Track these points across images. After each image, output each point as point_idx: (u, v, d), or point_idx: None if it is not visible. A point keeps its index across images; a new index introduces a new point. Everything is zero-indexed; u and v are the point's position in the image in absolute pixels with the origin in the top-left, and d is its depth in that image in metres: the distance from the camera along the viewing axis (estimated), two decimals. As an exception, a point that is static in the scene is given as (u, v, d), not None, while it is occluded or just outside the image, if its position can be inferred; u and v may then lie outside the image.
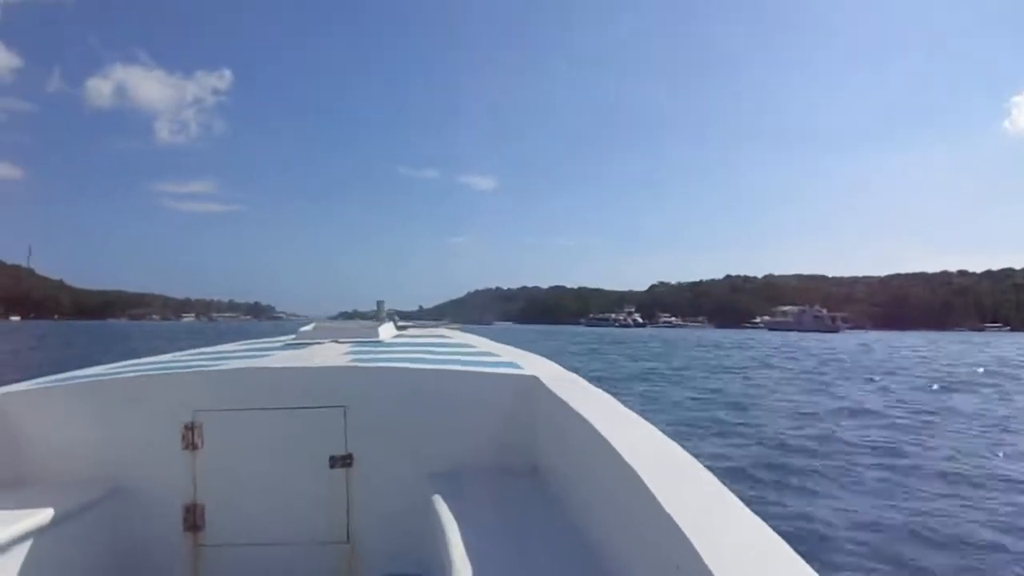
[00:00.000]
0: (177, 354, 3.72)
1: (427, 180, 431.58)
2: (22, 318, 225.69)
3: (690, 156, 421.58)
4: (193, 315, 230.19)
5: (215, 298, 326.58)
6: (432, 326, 6.08)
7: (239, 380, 2.69)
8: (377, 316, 5.21)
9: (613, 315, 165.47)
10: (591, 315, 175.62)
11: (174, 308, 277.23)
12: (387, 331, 4.44)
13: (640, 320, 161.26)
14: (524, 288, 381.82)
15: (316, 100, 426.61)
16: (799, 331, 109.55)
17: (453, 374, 2.75)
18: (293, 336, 4.03)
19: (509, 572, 1.66)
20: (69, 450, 2.58)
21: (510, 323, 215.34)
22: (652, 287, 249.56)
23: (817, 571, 0.98)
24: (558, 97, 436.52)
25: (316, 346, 3.61)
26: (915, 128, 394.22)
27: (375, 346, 3.65)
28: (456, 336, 4.81)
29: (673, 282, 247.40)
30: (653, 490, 1.31)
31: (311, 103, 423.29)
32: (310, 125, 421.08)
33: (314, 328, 4.11)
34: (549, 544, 1.81)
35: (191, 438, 2.54)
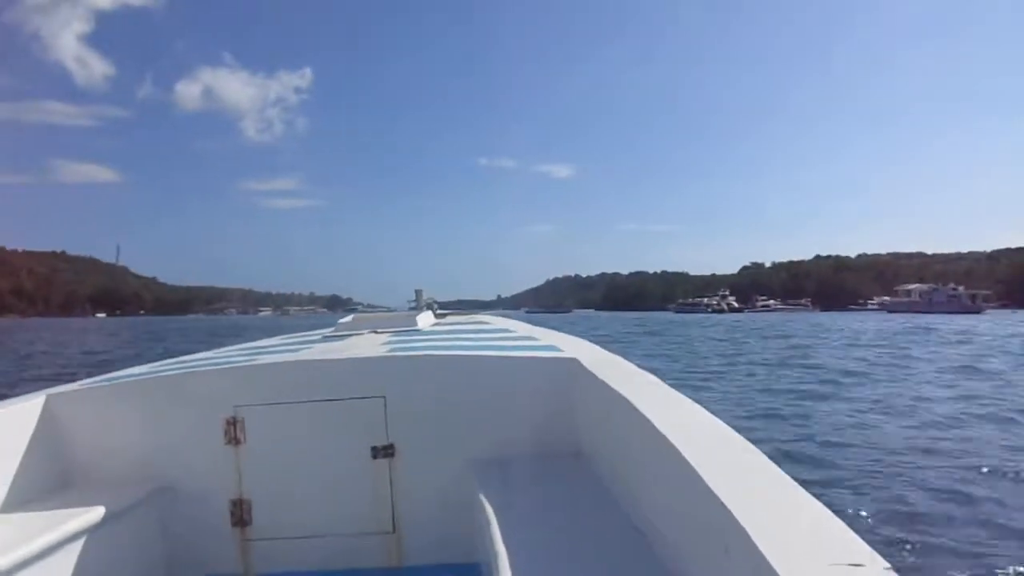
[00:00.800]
0: (218, 350, 3.73)
1: (505, 170, 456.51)
2: (108, 315, 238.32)
3: (766, 138, 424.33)
4: (269, 309, 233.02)
5: (296, 291, 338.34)
6: (470, 313, 5.91)
7: (279, 374, 2.72)
8: (417, 305, 5.21)
9: (705, 299, 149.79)
10: (680, 300, 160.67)
11: (254, 302, 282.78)
12: (425, 320, 4.38)
13: (736, 304, 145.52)
14: (603, 275, 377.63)
15: (394, 95, 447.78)
16: (929, 312, 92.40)
17: (492, 359, 2.73)
18: (332, 328, 4.05)
19: (556, 558, 1.66)
20: (115, 449, 2.63)
21: (591, 310, 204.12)
22: (744, 269, 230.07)
23: (892, 561, 0.88)
24: (634, 83, 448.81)
25: (355, 337, 3.62)
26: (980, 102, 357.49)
27: (414, 335, 3.64)
28: (495, 322, 4.84)
29: (766, 263, 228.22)
30: (700, 471, 1.26)
31: (389, 98, 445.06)
32: (389, 119, 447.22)
33: (353, 319, 4.21)
34: (595, 529, 1.79)
35: (233, 433, 2.58)
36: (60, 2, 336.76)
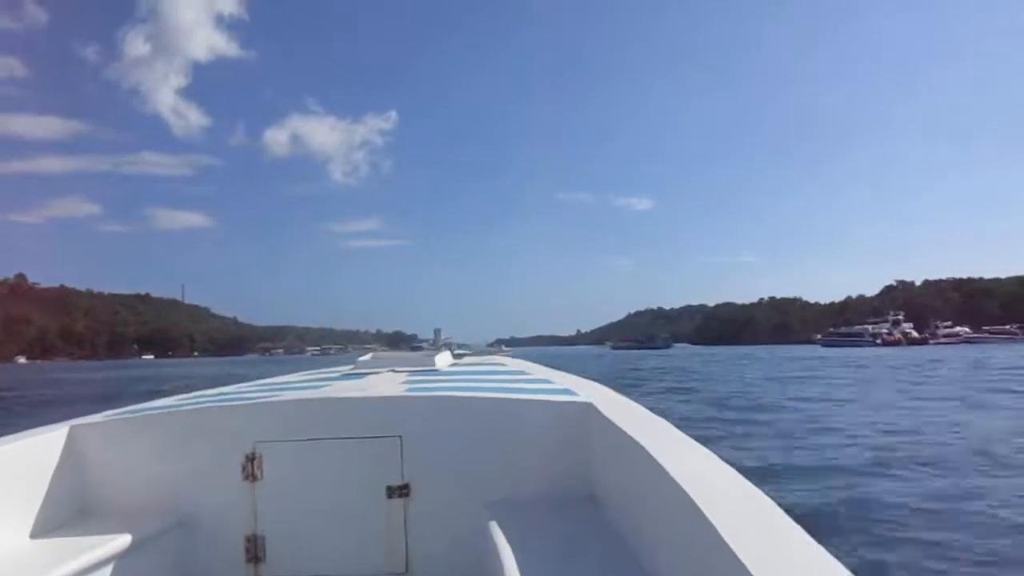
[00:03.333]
0: (239, 385, 3.77)
1: (582, 204, 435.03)
2: (156, 356, 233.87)
3: (854, 159, 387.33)
4: (318, 348, 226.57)
5: (363, 329, 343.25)
6: (490, 353, 6.78)
7: (298, 411, 2.75)
8: (435, 344, 5.77)
9: (871, 327, 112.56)
10: (832, 329, 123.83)
11: (312, 340, 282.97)
12: (443, 360, 4.41)
13: (915, 333, 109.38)
14: (688, 307, 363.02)
15: (473, 132, 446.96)
16: None
17: (508, 402, 2.75)
18: (352, 366, 4.14)
19: None
20: (134, 482, 2.64)
21: (685, 344, 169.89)
22: (888, 289, 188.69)
23: None
24: (713, 110, 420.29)
25: (373, 376, 3.68)
26: None
27: (431, 375, 3.68)
28: (512, 363, 4.84)
29: (916, 282, 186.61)
30: (713, 521, 1.25)
31: (469, 135, 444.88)
32: (467, 157, 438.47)
33: (372, 358, 4.30)
34: (607, 574, 1.79)
35: (251, 469, 2.59)
36: (159, 55, 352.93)
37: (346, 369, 4.10)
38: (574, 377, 3.76)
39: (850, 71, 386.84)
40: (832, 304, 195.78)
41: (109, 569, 2.20)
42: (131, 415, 2.81)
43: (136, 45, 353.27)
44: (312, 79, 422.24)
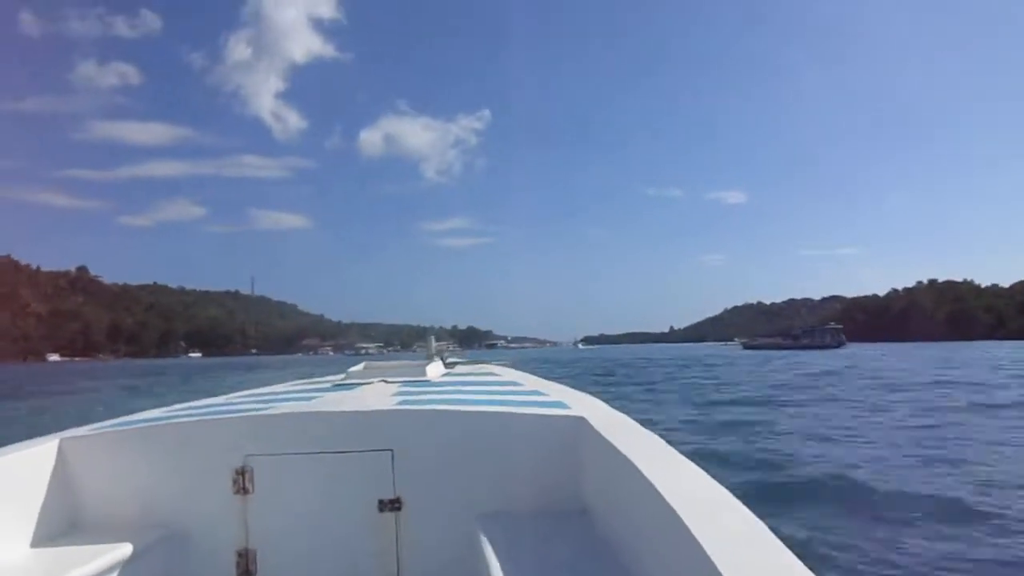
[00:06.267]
0: (229, 396, 3.74)
1: (672, 199, 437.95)
2: (204, 355, 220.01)
3: (965, 147, 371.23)
4: (375, 346, 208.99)
5: (438, 325, 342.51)
6: (483, 362, 5.89)
7: (288, 424, 2.71)
8: (427, 353, 5.31)
9: None
10: None
11: (382, 336, 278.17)
12: (435, 370, 4.40)
13: None
14: (792, 300, 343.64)
15: (564, 130, 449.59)
16: None
17: (500, 415, 2.72)
18: (343, 376, 4.14)
19: None
20: (124, 495, 2.62)
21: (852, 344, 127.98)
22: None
23: None
24: (808, 97, 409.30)
25: (364, 387, 3.66)
26: None
27: (423, 386, 3.66)
28: (504, 373, 4.81)
29: None
30: (699, 538, 1.27)
31: (560, 133, 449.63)
32: (558, 154, 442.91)
33: (363, 368, 4.27)
34: None
35: (242, 483, 2.56)
36: (260, 58, 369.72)
37: (338, 379, 4.10)
38: (567, 389, 3.70)
39: (962, 52, 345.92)
40: (1016, 287, 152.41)
41: None
42: (122, 427, 2.76)
43: (239, 49, 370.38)
44: (406, 80, 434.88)
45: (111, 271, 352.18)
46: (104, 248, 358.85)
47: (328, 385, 3.84)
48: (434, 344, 5.43)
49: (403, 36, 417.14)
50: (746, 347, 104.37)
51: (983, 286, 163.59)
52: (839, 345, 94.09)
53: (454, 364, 5.27)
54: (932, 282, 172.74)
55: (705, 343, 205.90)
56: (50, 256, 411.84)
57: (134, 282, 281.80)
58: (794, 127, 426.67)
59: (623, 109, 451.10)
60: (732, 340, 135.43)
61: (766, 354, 72.40)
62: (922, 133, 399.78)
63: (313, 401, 3.06)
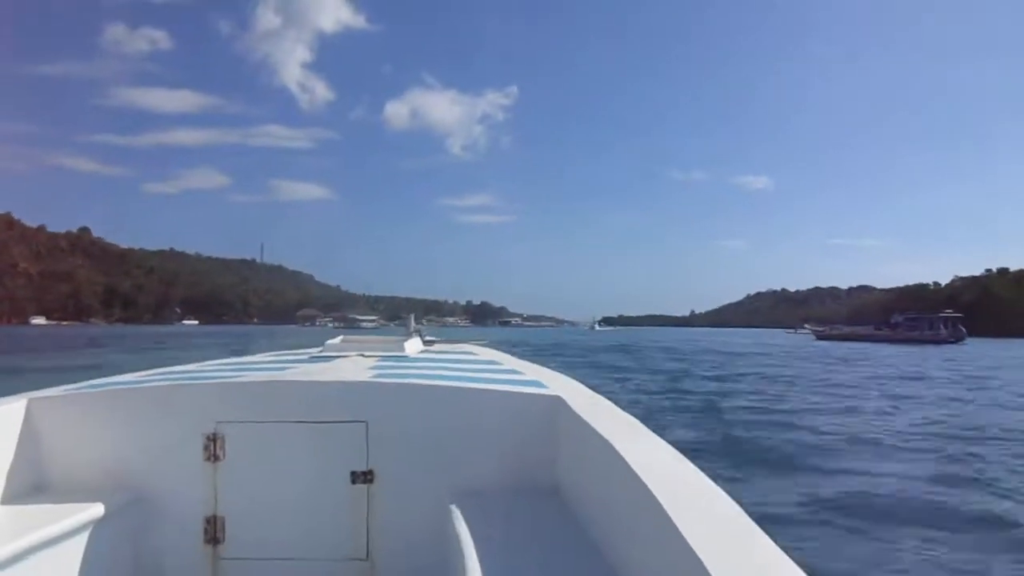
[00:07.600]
0: (204, 363, 3.70)
1: (697, 182, 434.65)
2: (200, 322, 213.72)
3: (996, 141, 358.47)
4: (374, 319, 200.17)
5: (451, 300, 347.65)
6: (459, 342, 5.77)
7: (263, 392, 2.68)
8: (406, 329, 5.31)
9: None
10: None
11: (388, 309, 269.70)
12: (413, 346, 4.35)
13: None
14: (817, 289, 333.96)
15: (590, 109, 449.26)
16: None
17: (476, 392, 2.71)
18: (320, 348, 4.08)
19: None
20: (92, 458, 2.58)
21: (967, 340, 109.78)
22: None
23: None
24: (839, 84, 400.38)
25: (341, 359, 3.63)
26: None
27: (400, 361, 3.63)
28: (483, 353, 4.80)
29: None
30: (671, 514, 1.30)
31: (585, 112, 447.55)
32: (583, 133, 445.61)
33: (341, 341, 4.17)
34: (568, 565, 1.80)
35: (213, 449, 2.54)
36: (289, 26, 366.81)
37: (314, 351, 4.03)
38: (545, 369, 3.70)
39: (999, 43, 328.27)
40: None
41: (66, 544, 2.17)
42: (91, 389, 2.71)
43: (267, 17, 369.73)
44: (434, 54, 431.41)
45: (131, 237, 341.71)
46: (127, 214, 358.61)
47: (305, 357, 3.78)
48: (413, 322, 5.49)
49: (432, 9, 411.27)
50: (820, 337, 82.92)
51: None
52: (957, 340, 69.71)
53: (432, 343, 5.22)
54: (1003, 271, 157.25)
55: (762, 329, 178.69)
56: (72, 221, 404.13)
57: (153, 248, 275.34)
58: (821, 117, 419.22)
59: (651, 90, 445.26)
60: (802, 327, 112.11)
61: (862, 348, 52.79)
62: (964, 129, 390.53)
63: (287, 371, 2.99)
